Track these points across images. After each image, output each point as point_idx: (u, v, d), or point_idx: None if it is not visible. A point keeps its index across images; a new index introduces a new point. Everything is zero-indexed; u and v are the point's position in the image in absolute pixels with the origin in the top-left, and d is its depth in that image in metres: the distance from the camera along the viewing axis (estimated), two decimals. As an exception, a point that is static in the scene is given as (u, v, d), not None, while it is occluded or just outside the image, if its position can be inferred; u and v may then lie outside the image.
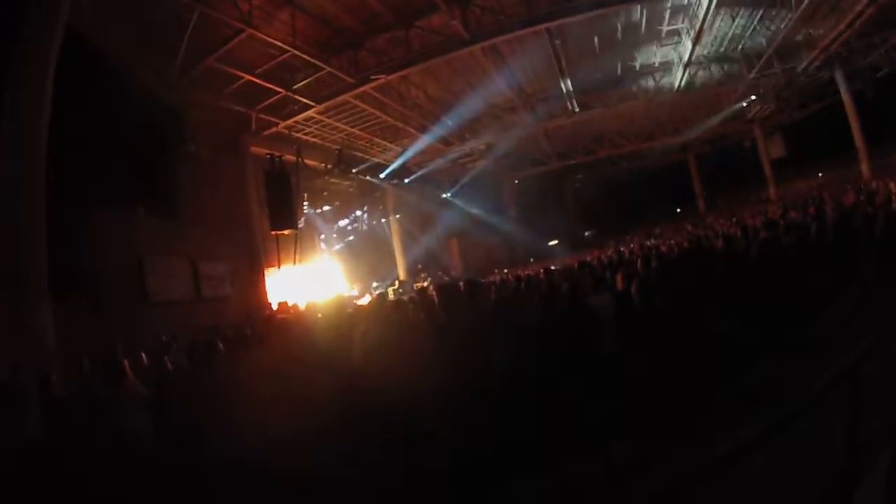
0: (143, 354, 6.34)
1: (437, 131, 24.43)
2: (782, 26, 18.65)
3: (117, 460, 4.05)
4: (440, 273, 29.86)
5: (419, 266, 31.88)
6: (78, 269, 9.22)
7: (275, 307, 16.25)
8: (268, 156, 18.42)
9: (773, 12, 18.25)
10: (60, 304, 7.36)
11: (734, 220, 19.85)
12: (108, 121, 9.62)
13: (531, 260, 30.48)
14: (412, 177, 29.40)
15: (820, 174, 27.53)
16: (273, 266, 18.80)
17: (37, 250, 7.04)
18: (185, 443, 4.19)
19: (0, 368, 6.03)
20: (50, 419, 4.68)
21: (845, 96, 23.19)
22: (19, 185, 7.00)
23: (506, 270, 26.30)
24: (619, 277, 6.84)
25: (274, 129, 18.87)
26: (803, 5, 16.27)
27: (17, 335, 6.55)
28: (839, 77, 22.99)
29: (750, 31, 20.18)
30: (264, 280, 17.29)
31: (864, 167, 23.06)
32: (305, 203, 24.20)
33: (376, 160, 26.41)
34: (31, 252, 7.00)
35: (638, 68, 23.11)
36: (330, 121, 20.74)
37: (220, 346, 5.94)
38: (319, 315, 9.27)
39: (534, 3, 15.11)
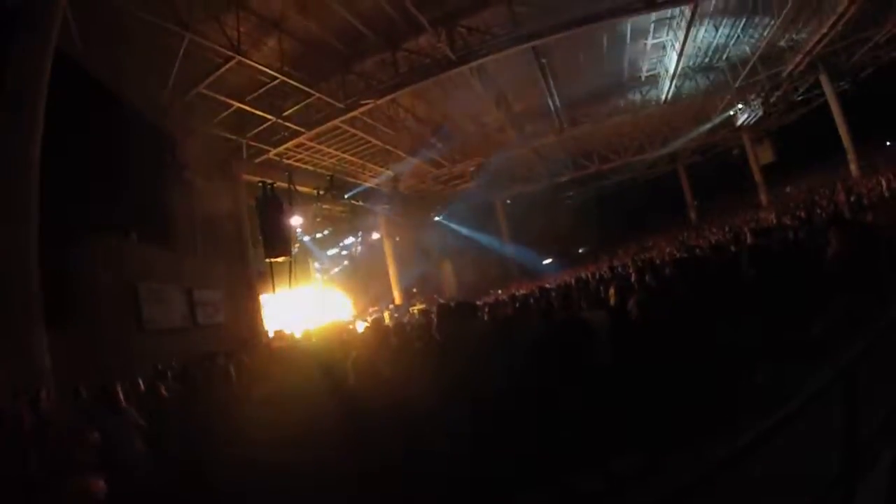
0: (139, 381, 6.26)
1: (428, 153, 24.55)
2: (766, 33, 18.93)
3: (112, 490, 3.98)
4: (435, 295, 29.80)
5: (414, 289, 31.84)
6: (73, 296, 9.15)
7: (271, 335, 16.17)
8: (259, 183, 18.43)
9: (756, 20, 18.50)
10: (55, 331, 7.30)
11: (726, 228, 19.91)
12: (102, 147, 9.61)
13: (526, 279, 30.44)
14: (404, 200, 29.38)
15: (810, 177, 27.66)
16: (268, 293, 18.73)
17: (31, 277, 6.99)
18: (181, 472, 4.14)
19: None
20: (39, 439, 4.61)
21: (831, 98, 23.39)
22: (13, 210, 6.97)
23: (500, 291, 26.27)
24: (612, 292, 6.83)
25: (265, 156, 18.87)
26: (785, 10, 16.51)
27: (12, 361, 6.48)
28: (824, 79, 23.21)
29: (734, 39, 20.42)
30: (259, 307, 17.21)
31: (854, 167, 23.23)
32: (299, 229, 24.13)
33: (368, 184, 26.42)
34: (26, 278, 6.95)
35: (625, 82, 23.27)
36: (320, 146, 20.79)
37: (216, 374, 5.90)
38: (315, 343, 9.25)
39: (519, 22, 15.19)
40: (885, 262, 4.68)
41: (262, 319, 17.13)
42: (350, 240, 34.65)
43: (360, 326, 17.09)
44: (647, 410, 3.61)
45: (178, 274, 13.19)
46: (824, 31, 18.71)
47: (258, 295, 17.63)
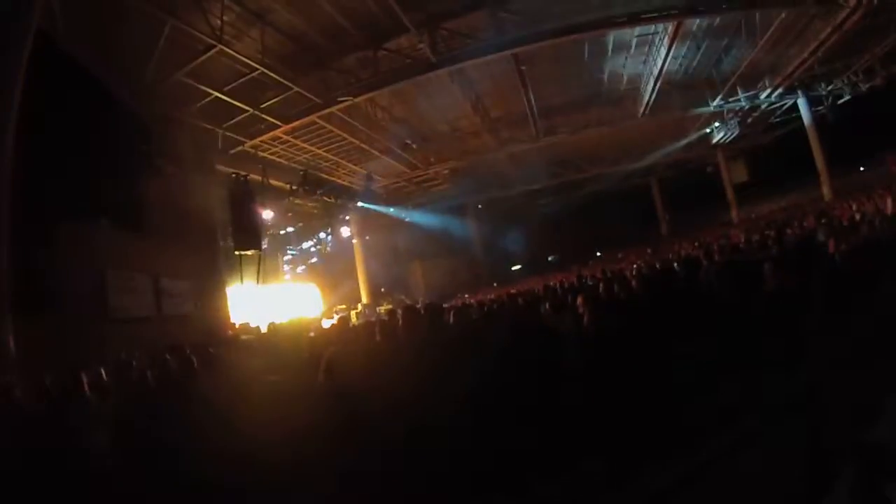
0: (101, 371, 6.15)
1: (403, 154, 24.55)
2: (748, 54, 19.23)
3: (75, 479, 3.92)
4: (402, 297, 29.78)
5: (382, 289, 31.78)
6: (40, 281, 8.95)
7: (237, 327, 16.02)
8: (233, 174, 18.26)
9: (739, 41, 18.75)
10: (21, 318, 7.16)
11: (696, 243, 20.19)
12: (77, 129, 9.43)
13: (495, 284, 30.55)
14: (376, 199, 29.32)
15: (782, 197, 28.19)
16: (236, 285, 18.56)
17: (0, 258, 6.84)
18: (145, 464, 4.08)
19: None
20: (9, 432, 4.52)
21: (808, 122, 23.91)
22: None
23: (466, 295, 26.32)
24: (580, 301, 6.89)
25: (240, 148, 18.73)
26: (768, 34, 16.81)
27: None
28: (802, 103, 23.73)
29: (715, 58, 20.71)
30: (227, 299, 17.02)
31: (826, 189, 23.75)
32: (269, 223, 23.95)
33: (342, 182, 26.35)
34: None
35: (604, 94, 23.44)
36: (296, 141, 20.66)
37: (182, 365, 5.83)
38: (282, 336, 9.20)
39: (502, 29, 15.26)
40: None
41: (229, 312, 16.94)
42: (321, 236, 34.49)
43: (327, 324, 17.04)
44: (609, 418, 3.66)
45: (147, 262, 12.98)
46: (805, 56, 19.10)
47: (226, 287, 17.43)
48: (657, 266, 11.64)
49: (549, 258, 36.39)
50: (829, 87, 23.17)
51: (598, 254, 32.54)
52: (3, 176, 6.95)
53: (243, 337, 13.09)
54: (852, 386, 2.64)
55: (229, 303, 17.18)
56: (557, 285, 13.21)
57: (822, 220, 12.87)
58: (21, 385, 5.52)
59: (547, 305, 7.30)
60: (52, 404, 4.79)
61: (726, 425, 2.55)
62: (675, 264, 10.39)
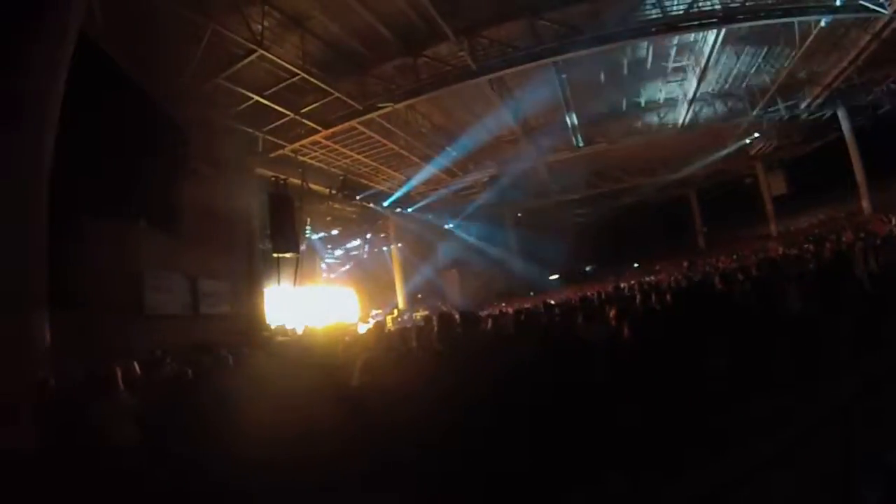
0: (135, 365, 6.26)
1: (441, 161, 24.59)
2: (786, 64, 18.93)
3: (102, 471, 3.99)
4: (439, 303, 29.78)
5: (418, 295, 31.85)
6: (76, 278, 9.13)
7: (272, 328, 16.17)
8: (272, 178, 18.50)
9: (778, 50, 18.53)
10: (57, 314, 7.30)
11: (734, 256, 19.88)
12: (116, 129, 9.59)
13: (531, 293, 30.36)
14: (414, 206, 29.47)
15: (821, 210, 27.57)
16: (273, 287, 18.76)
17: (37, 256, 6.99)
18: (174, 462, 4.13)
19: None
20: (43, 425, 4.62)
21: (847, 133, 23.44)
22: (23, 190, 6.99)
23: (503, 304, 26.21)
24: (614, 313, 6.84)
25: (279, 152, 18.88)
26: (807, 42, 16.53)
27: (13, 342, 6.47)
28: (841, 114, 23.27)
29: (754, 68, 20.43)
30: (263, 301, 17.20)
31: (865, 203, 23.25)
32: (308, 227, 24.19)
33: (380, 188, 26.53)
34: (32, 258, 6.95)
35: (643, 104, 23.30)
36: (335, 146, 20.80)
37: (216, 364, 5.91)
38: (318, 340, 9.25)
39: (542, 37, 15.24)
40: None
41: (265, 313, 17.12)
42: (358, 241, 34.71)
43: (363, 328, 17.11)
44: (637, 431, 3.61)
45: (185, 263, 13.17)
46: (844, 65, 18.77)
47: (263, 289, 17.63)
48: (693, 279, 11.49)
49: (586, 268, 36.08)
50: (869, 97, 22.74)
51: (636, 265, 32.18)
52: (43, 173, 7.12)
53: (278, 339, 13.22)
54: (882, 408, 2.57)
55: (266, 304, 17.35)
56: (594, 296, 13.12)
57: (861, 235, 12.57)
58: (55, 379, 5.65)
59: (581, 317, 7.25)
60: (84, 398, 4.88)
61: (758, 443, 2.49)
62: (712, 278, 10.25)
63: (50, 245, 7.23)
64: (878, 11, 14.35)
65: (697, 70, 18.37)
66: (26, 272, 6.97)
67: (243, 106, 15.60)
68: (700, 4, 14.84)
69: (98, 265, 10.08)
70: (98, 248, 10.21)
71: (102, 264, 10.31)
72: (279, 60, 13.84)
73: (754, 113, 22.60)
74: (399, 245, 31.56)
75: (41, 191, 7.16)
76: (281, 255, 18.61)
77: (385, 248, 32.54)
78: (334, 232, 32.52)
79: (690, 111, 21.88)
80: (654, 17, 14.93)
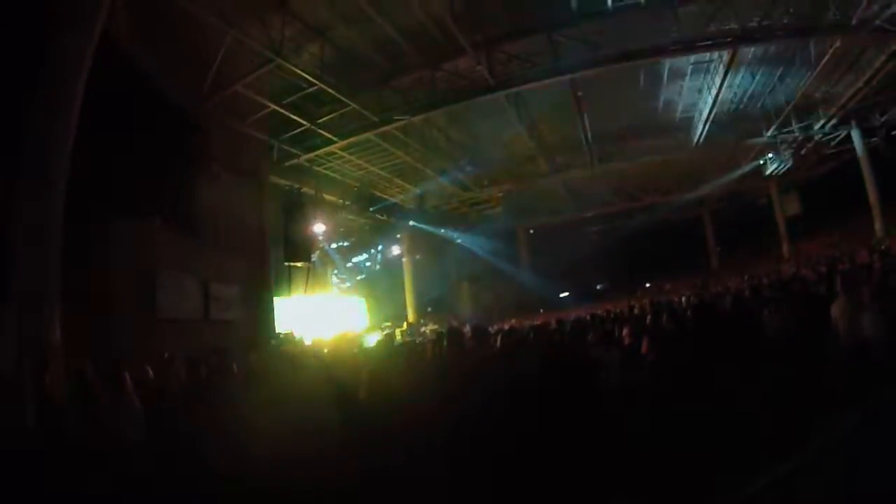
0: (147, 367, 6.29)
1: (456, 175, 24.65)
2: (802, 84, 18.95)
3: (109, 466, 4.00)
4: (450, 317, 29.75)
5: (429, 308, 31.83)
6: (89, 277, 9.18)
7: (281, 336, 16.19)
8: (287, 186, 18.59)
9: (794, 70, 18.52)
10: (69, 313, 7.31)
11: (746, 277, 19.75)
12: (134, 130, 9.65)
13: (542, 309, 30.28)
14: (428, 219, 29.47)
15: (835, 232, 27.34)
16: (283, 295, 18.80)
17: (51, 252, 7.02)
18: (179, 463, 4.14)
19: (3, 365, 6.00)
20: (43, 410, 4.63)
21: (861, 153, 23.29)
22: (42, 186, 7.03)
23: (514, 320, 26.15)
24: (626, 332, 6.82)
25: (295, 161, 18.92)
26: (823, 62, 16.54)
27: (23, 336, 6.49)
28: (856, 135, 23.11)
29: (770, 88, 20.41)
30: (273, 308, 17.22)
31: (879, 224, 23.02)
32: (321, 237, 24.26)
33: (394, 200, 26.56)
34: (46, 253, 6.98)
35: (658, 122, 23.23)
36: (351, 157, 20.86)
37: (223, 369, 5.92)
38: (326, 351, 9.25)
39: (559, 53, 15.27)
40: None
41: (274, 320, 17.13)
42: (370, 252, 34.77)
43: (371, 340, 17.10)
44: (647, 453, 3.58)
45: (197, 265, 13.19)
46: (859, 85, 18.68)
47: (273, 296, 17.65)
48: (705, 299, 11.43)
49: (598, 286, 35.97)
50: (884, 118, 22.54)
51: (647, 284, 32.07)
52: (62, 170, 7.16)
53: (286, 348, 13.23)
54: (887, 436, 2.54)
55: (275, 311, 17.36)
56: (606, 314, 13.09)
57: (875, 256, 12.48)
58: (61, 371, 5.67)
59: (591, 335, 7.22)
60: (93, 398, 4.89)
61: (763, 465, 2.48)
62: (723, 298, 10.20)
63: (64, 243, 7.25)
64: (894, 31, 14.30)
65: (713, 90, 18.34)
66: (41, 265, 6.99)
67: (260, 114, 15.66)
68: (717, 24, 14.84)
69: (114, 261, 10.15)
70: (111, 244, 10.26)
71: (118, 261, 10.38)
72: (297, 70, 13.90)
73: (769, 133, 22.53)
74: (411, 258, 31.59)
75: (59, 188, 7.20)
76: (292, 263, 18.67)
77: (397, 259, 32.53)
78: (347, 242, 32.56)
79: (706, 130, 21.82)
80: (672, 35, 14.92)
